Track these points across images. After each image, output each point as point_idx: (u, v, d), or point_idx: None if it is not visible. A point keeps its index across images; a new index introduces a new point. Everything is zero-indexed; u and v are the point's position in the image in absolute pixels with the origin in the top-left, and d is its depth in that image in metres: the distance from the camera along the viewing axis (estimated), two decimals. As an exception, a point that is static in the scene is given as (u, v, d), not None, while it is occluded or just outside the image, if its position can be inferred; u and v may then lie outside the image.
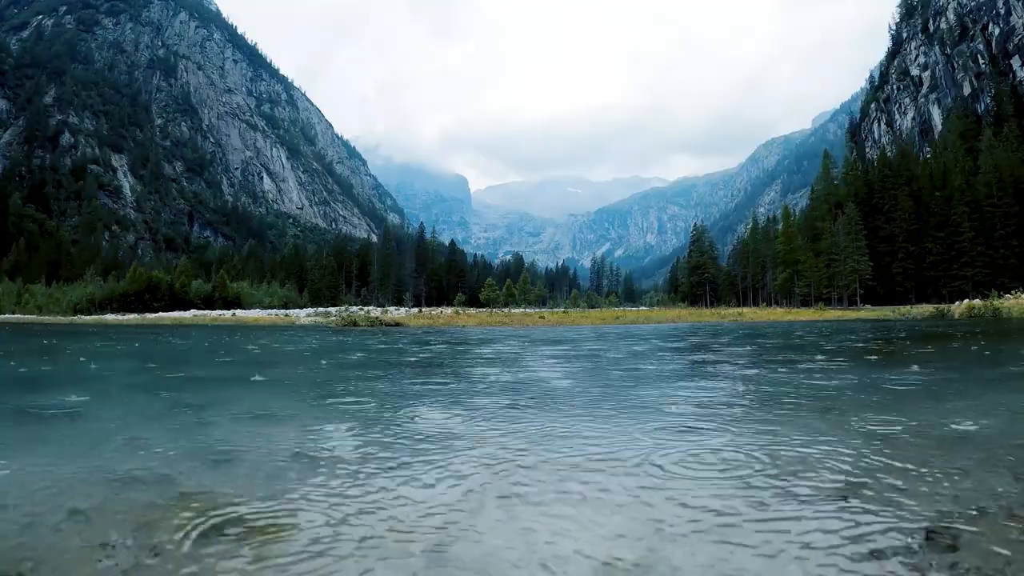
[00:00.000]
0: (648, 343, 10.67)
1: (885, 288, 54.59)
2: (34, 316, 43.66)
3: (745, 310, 38.50)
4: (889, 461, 2.07)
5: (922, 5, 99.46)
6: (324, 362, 7.38)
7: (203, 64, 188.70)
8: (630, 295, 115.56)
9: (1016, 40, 80.00)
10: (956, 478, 1.85)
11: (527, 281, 76.80)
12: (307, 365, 7.11)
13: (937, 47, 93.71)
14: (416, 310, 40.80)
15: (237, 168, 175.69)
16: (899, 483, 1.80)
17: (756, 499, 1.65)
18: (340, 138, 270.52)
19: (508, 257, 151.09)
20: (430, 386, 4.63)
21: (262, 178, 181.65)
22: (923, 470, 1.94)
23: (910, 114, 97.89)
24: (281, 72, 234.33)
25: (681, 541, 1.36)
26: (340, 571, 1.21)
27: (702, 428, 2.73)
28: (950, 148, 64.62)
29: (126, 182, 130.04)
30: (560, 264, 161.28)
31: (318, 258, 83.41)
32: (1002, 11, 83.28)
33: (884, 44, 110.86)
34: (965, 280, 48.95)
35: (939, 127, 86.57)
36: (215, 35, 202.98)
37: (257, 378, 5.32)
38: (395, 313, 30.74)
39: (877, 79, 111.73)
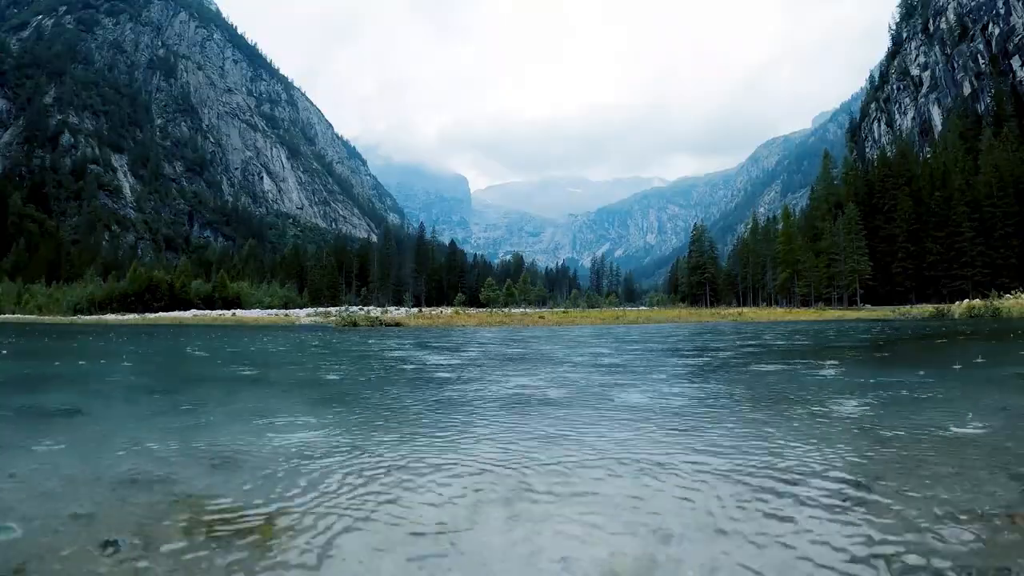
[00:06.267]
0: (649, 344, 10.68)
1: (885, 288, 54.65)
2: (34, 316, 43.67)
3: (745, 310, 38.52)
4: (888, 461, 2.07)
5: (922, 5, 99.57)
6: (324, 363, 7.39)
7: (203, 64, 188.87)
8: (630, 295, 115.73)
9: (1016, 40, 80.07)
10: (955, 478, 1.84)
11: (527, 281, 76.92)
12: (307, 366, 7.11)
13: (937, 47, 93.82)
14: (416, 310, 40.80)
15: (237, 168, 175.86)
16: (898, 483, 1.80)
17: (756, 500, 1.66)
18: (340, 138, 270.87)
19: (508, 257, 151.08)
20: (430, 386, 4.63)
21: (262, 178, 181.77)
22: (922, 470, 1.94)
23: (910, 114, 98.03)
24: (281, 72, 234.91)
25: (683, 542, 1.38)
26: (340, 572, 1.23)
27: (702, 428, 2.73)
28: (950, 148, 64.64)
29: (126, 182, 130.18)
30: (560, 264, 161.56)
31: (318, 258, 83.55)
32: (1002, 11, 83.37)
33: (884, 44, 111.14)
34: (965, 280, 49.00)
35: (939, 127, 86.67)
36: (215, 35, 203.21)
37: (256, 378, 5.33)
38: (395, 313, 30.75)
39: (877, 79, 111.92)
